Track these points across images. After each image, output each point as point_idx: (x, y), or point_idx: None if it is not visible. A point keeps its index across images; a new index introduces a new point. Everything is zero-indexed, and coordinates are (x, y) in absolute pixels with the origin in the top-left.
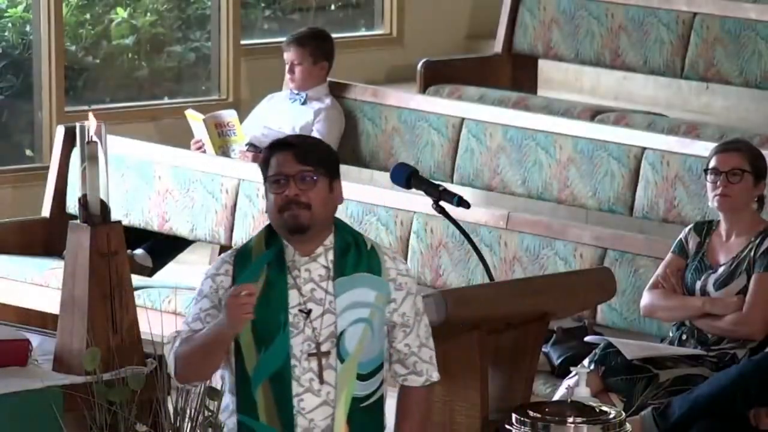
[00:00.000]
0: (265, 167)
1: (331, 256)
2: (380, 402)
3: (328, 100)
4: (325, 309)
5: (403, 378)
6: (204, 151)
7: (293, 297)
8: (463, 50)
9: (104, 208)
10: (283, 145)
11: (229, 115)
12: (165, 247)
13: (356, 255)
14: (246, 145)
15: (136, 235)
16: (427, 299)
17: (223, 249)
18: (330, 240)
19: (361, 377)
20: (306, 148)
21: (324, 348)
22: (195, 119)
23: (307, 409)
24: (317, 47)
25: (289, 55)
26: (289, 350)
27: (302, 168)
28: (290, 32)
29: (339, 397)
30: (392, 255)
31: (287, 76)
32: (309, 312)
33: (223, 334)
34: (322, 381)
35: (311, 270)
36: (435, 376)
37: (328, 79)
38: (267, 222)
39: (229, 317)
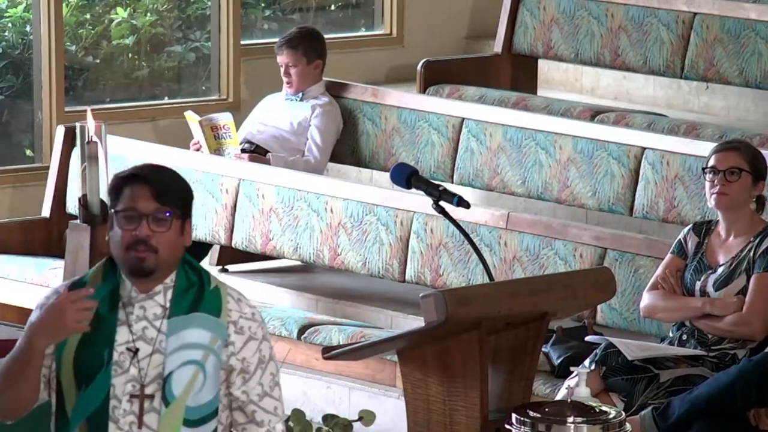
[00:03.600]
0: (115, 196)
1: (170, 294)
2: None
3: (325, 98)
4: (154, 349)
5: (242, 427)
6: (202, 153)
7: (122, 334)
8: (463, 50)
9: (104, 208)
10: (140, 177)
11: (224, 118)
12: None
13: (196, 294)
14: (241, 143)
15: None
16: (427, 299)
17: (224, 249)
18: (172, 278)
19: (190, 423)
20: (165, 185)
21: (148, 390)
22: (192, 121)
23: None
24: (309, 47)
25: (282, 59)
26: (109, 390)
27: (159, 207)
28: None
29: None
30: (237, 297)
31: (284, 79)
32: (136, 351)
33: (35, 347)
34: (141, 425)
35: (147, 308)
36: (279, 428)
37: (325, 78)
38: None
39: (56, 324)
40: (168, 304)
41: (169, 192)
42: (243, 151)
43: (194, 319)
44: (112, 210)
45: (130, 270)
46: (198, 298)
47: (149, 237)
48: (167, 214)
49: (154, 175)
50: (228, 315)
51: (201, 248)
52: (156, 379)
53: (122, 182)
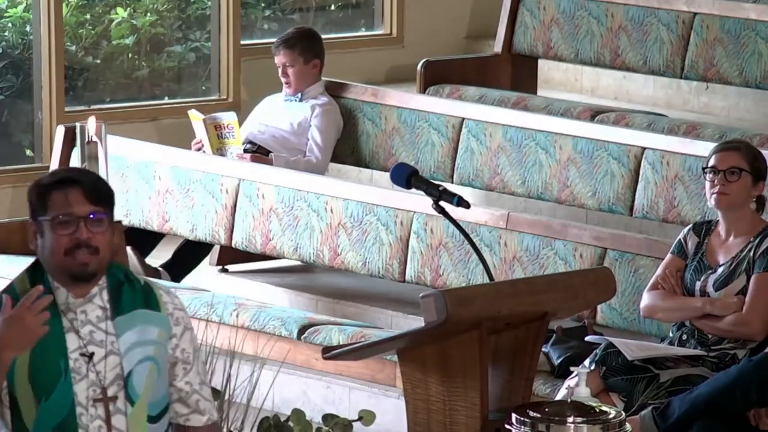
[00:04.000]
0: (41, 203)
1: (105, 295)
2: None
3: (324, 98)
4: (107, 351)
5: (185, 418)
6: (204, 152)
7: (72, 341)
8: (463, 50)
9: None
10: (70, 181)
11: (229, 117)
12: (186, 259)
13: (131, 291)
14: (243, 143)
15: (144, 237)
16: (427, 299)
17: (224, 249)
18: (103, 279)
19: (152, 419)
20: (95, 186)
21: (110, 392)
22: (196, 119)
23: None
24: (306, 47)
25: (279, 59)
26: (73, 398)
27: (94, 208)
28: None
29: None
30: (166, 290)
31: (282, 79)
32: (91, 355)
33: (2, 364)
34: (110, 427)
35: (87, 311)
36: (215, 415)
37: (325, 78)
38: (35, 260)
39: (21, 334)
40: (107, 305)
41: (100, 192)
42: (245, 151)
43: (138, 317)
44: (40, 218)
45: (71, 275)
46: (133, 294)
47: (90, 239)
48: (100, 215)
49: (82, 177)
50: (166, 308)
51: (201, 248)
52: (116, 380)
53: (48, 188)
